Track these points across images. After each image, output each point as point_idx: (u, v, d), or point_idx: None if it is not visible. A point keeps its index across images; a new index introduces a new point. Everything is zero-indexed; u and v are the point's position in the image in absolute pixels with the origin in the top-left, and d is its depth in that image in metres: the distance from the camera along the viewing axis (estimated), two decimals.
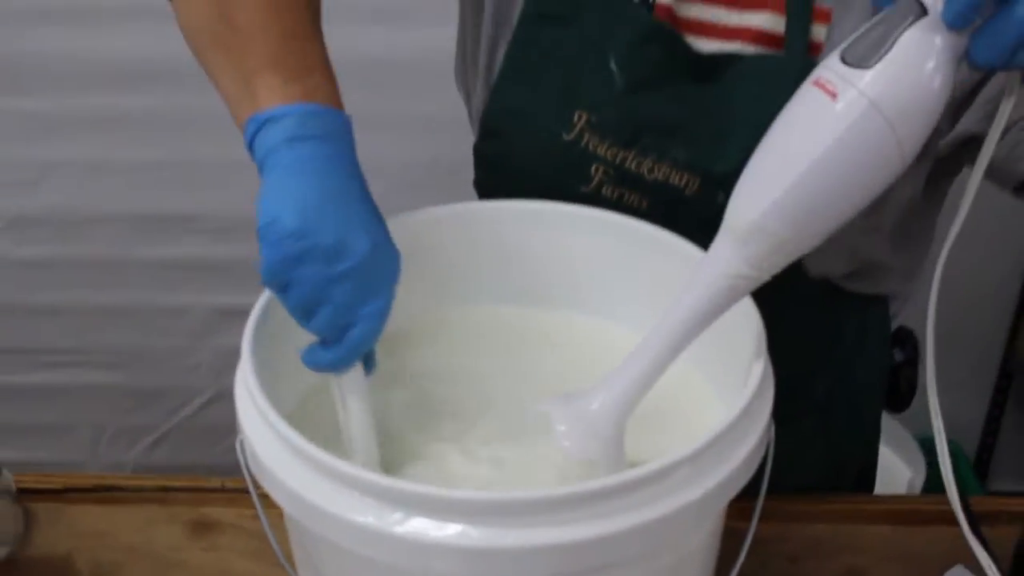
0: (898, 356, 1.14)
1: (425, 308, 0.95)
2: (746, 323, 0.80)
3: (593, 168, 0.97)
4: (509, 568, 0.66)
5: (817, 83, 0.68)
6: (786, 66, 0.92)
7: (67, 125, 1.96)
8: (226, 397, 2.44)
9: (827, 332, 1.07)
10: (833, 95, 0.66)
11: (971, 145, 0.94)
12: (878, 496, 1.13)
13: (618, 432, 0.75)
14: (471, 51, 1.06)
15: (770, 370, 0.77)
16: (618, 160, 0.96)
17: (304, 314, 0.74)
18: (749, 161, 0.71)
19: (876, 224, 0.98)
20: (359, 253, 0.72)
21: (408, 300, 0.79)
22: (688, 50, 0.96)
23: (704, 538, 0.78)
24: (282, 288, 0.73)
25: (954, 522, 0.85)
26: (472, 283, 0.97)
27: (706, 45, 0.96)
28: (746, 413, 0.72)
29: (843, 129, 0.66)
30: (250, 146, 0.76)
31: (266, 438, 0.72)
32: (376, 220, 0.75)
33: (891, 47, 0.65)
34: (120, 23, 1.86)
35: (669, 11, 0.95)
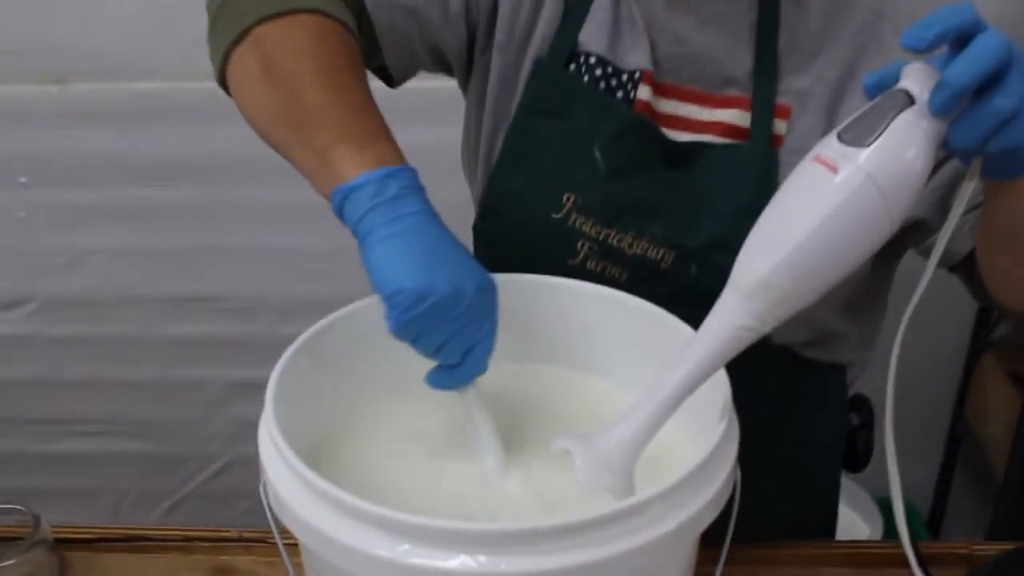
0: (855, 420, 1.14)
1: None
2: (715, 381, 0.80)
3: (579, 244, 0.99)
4: None
5: (818, 159, 0.70)
6: (751, 155, 0.95)
7: (100, 215, 1.99)
8: (239, 464, 2.45)
9: (789, 397, 1.07)
10: (834, 169, 0.69)
11: (916, 230, 0.96)
12: (839, 541, 1.13)
13: (630, 466, 0.76)
14: (474, 141, 1.08)
15: (735, 420, 0.79)
16: (601, 237, 0.98)
17: (434, 352, 0.78)
18: (754, 227, 0.73)
19: (830, 297, 0.97)
20: (469, 294, 0.77)
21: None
22: (664, 140, 0.98)
23: (679, 571, 0.79)
24: (413, 339, 0.77)
25: (908, 565, 0.87)
26: None
27: (680, 136, 0.98)
28: (714, 455, 0.73)
29: (843, 197, 0.68)
30: (339, 214, 0.79)
31: (286, 478, 0.73)
32: (468, 257, 0.80)
33: (884, 129, 0.68)
34: (148, 125, 1.91)
35: (648, 106, 0.98)
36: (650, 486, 0.71)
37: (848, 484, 1.80)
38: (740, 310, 0.73)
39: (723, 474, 0.75)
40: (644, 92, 0.98)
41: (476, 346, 0.79)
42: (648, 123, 0.98)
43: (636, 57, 0.99)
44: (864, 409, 1.14)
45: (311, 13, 0.89)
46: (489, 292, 0.80)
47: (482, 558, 0.66)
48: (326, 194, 0.80)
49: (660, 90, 0.99)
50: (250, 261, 2.02)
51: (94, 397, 2.13)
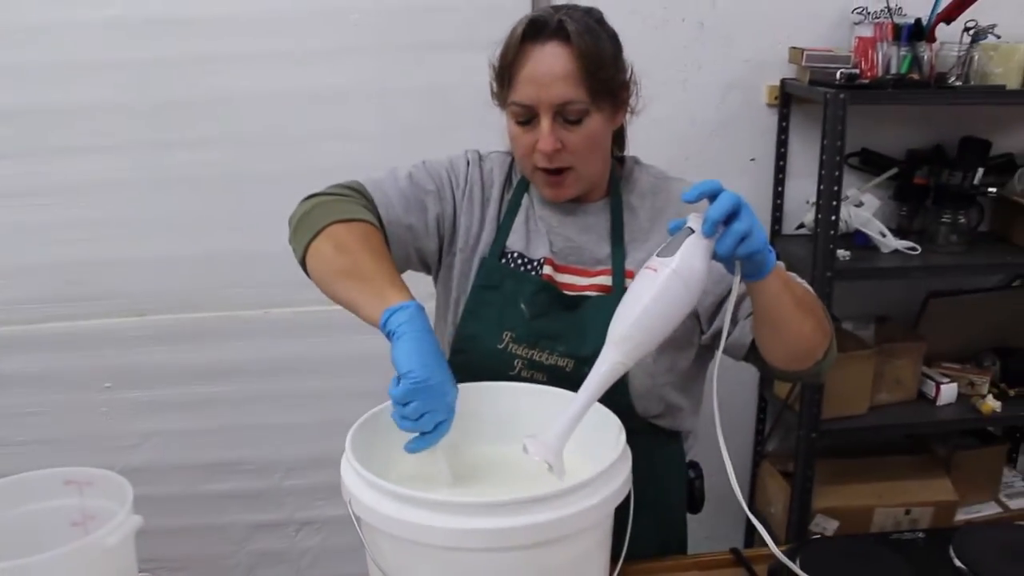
0: (691, 475, 1.18)
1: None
2: (610, 424, 0.90)
3: (515, 362, 1.07)
4: (492, 539, 0.75)
5: (647, 267, 0.83)
6: (613, 301, 0.99)
7: (159, 408, 2.00)
8: None
9: (652, 455, 1.07)
10: (655, 271, 0.82)
11: (718, 336, 1.04)
12: (690, 555, 1.17)
13: (561, 449, 0.83)
14: (443, 310, 1.16)
15: (628, 448, 0.87)
16: (528, 355, 1.07)
17: (415, 421, 0.85)
18: (619, 306, 0.83)
19: (671, 380, 1.08)
20: (448, 389, 0.86)
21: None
22: (562, 295, 1.09)
23: (599, 539, 0.85)
24: (406, 403, 0.84)
25: (734, 565, 0.95)
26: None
27: (571, 292, 1.09)
28: (619, 459, 0.82)
29: (662, 286, 0.81)
30: (384, 324, 0.88)
31: (359, 486, 0.80)
32: (447, 366, 0.88)
33: (680, 247, 0.82)
34: (195, 343, 1.97)
35: (550, 277, 1.09)
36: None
37: None
38: (614, 352, 0.83)
39: (623, 475, 0.83)
40: (547, 269, 1.09)
41: (443, 422, 0.87)
42: (552, 286, 1.09)
43: (541, 250, 1.11)
44: (696, 468, 1.19)
45: (360, 221, 1.03)
46: (454, 391, 0.89)
47: (477, 519, 0.74)
48: (374, 317, 0.90)
49: (557, 268, 1.11)
50: (264, 435, 2.04)
51: (149, 541, 2.02)
